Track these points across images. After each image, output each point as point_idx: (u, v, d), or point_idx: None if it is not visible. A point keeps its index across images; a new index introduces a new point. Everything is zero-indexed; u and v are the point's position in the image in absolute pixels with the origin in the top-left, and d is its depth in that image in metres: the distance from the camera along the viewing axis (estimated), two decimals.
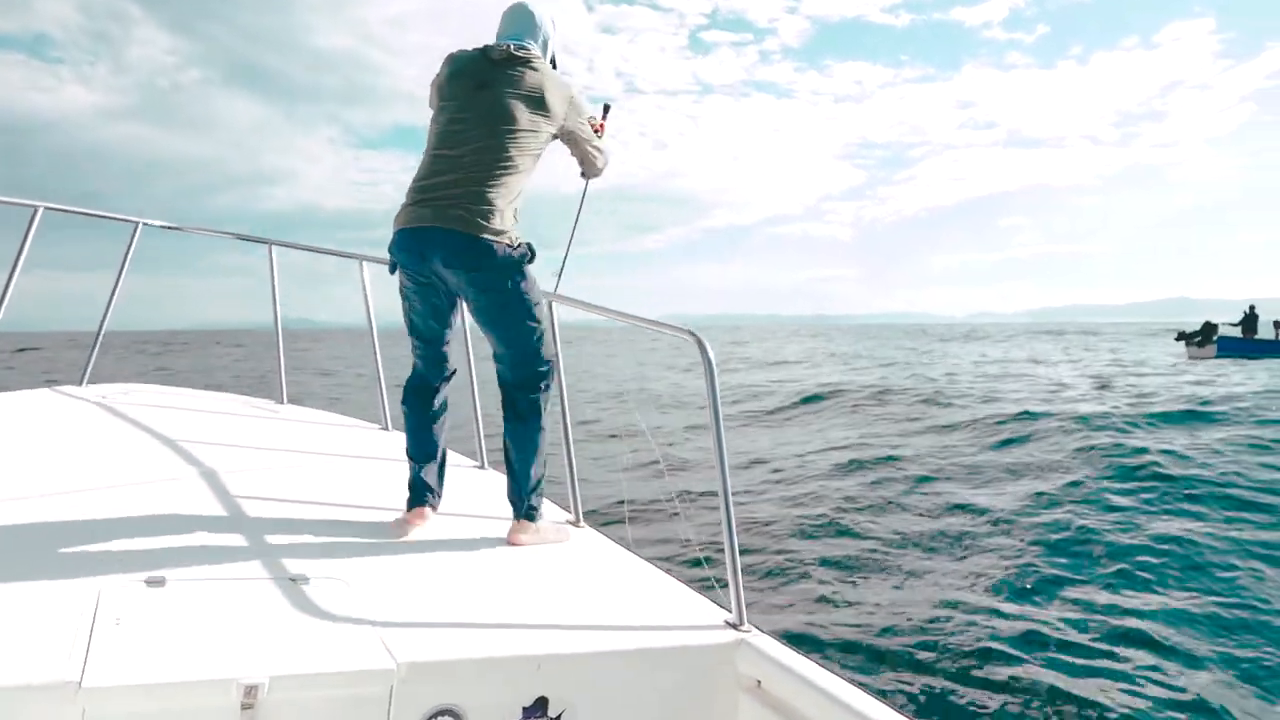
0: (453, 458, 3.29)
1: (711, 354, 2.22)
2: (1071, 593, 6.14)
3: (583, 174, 3.30)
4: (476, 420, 3.91)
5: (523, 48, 2.85)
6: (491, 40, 2.93)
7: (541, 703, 1.79)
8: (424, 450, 2.95)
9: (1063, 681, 4.83)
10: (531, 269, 2.85)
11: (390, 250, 2.85)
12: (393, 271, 2.94)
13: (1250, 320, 25.88)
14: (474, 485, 3.46)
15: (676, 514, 8.15)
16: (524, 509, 2.85)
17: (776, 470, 11.09)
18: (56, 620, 1.68)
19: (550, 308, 2.95)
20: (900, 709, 1.68)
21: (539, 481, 2.91)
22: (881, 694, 1.80)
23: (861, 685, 1.80)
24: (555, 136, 2.95)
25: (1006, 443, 12.25)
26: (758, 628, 2.07)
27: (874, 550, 8.02)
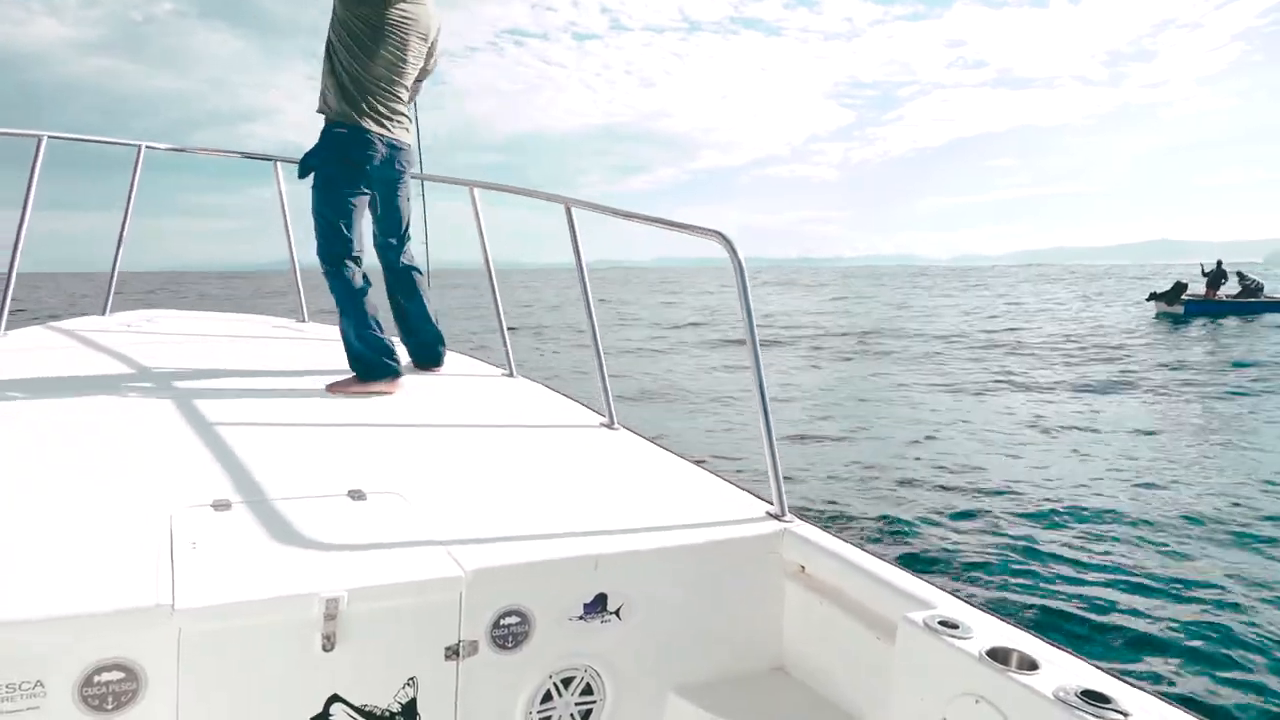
0: (480, 367, 3.97)
1: (741, 256, 2.25)
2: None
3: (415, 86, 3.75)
4: (502, 331, 3.98)
5: None
6: None
7: (601, 599, 1.90)
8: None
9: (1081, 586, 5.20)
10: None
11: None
12: (344, 162, 3.51)
13: (1216, 277, 26.71)
14: (505, 392, 3.56)
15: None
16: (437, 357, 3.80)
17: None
18: (135, 546, 1.75)
19: (569, 212, 3.13)
20: (940, 587, 1.79)
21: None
22: (921, 573, 1.90)
23: (901, 566, 1.91)
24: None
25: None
26: (799, 517, 2.18)
27: (903, 453, 8.44)
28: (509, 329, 4.08)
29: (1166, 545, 6.05)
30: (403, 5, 3.44)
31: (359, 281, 3.47)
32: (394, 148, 3.53)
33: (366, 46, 3.38)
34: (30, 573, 1.62)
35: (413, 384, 3.54)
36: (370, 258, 3.65)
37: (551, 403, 3.41)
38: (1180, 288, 26.69)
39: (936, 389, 12.64)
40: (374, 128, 3.44)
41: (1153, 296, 27.92)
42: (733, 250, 2.26)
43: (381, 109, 3.46)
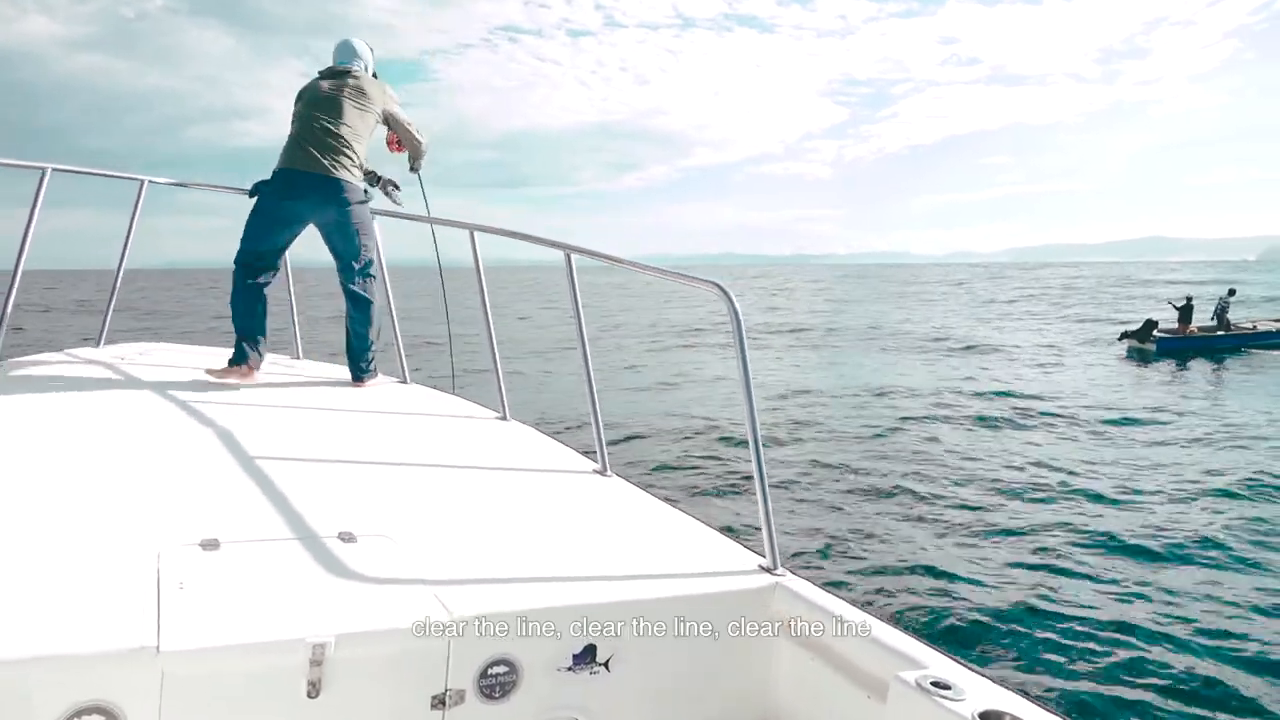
0: (473, 409, 4.02)
1: (738, 305, 2.27)
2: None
3: (410, 162, 4.65)
4: (497, 373, 4.01)
5: (347, 67, 4.39)
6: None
7: (590, 649, 1.88)
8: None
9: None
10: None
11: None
12: (252, 195, 4.35)
13: (1187, 311, 26.55)
14: (498, 436, 3.56)
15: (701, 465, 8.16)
16: (364, 371, 4.39)
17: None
18: (122, 586, 1.74)
19: (569, 260, 3.19)
20: (933, 644, 1.77)
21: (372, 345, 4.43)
22: (914, 631, 1.87)
23: (894, 623, 1.89)
24: (380, 120, 4.42)
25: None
26: (791, 571, 2.18)
27: (898, 492, 8.31)
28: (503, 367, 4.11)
29: (1170, 601, 5.90)
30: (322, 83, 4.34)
31: (242, 282, 4.29)
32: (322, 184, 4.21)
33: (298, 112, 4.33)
34: (15, 610, 1.59)
35: (406, 426, 3.61)
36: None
37: (544, 448, 3.40)
38: (1151, 325, 26.68)
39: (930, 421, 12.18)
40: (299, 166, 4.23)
41: (1124, 335, 28.21)
42: (731, 303, 2.27)
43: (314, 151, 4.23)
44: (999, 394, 14.63)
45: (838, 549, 6.36)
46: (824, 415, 12.13)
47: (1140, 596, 5.98)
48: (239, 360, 4.19)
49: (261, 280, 4.37)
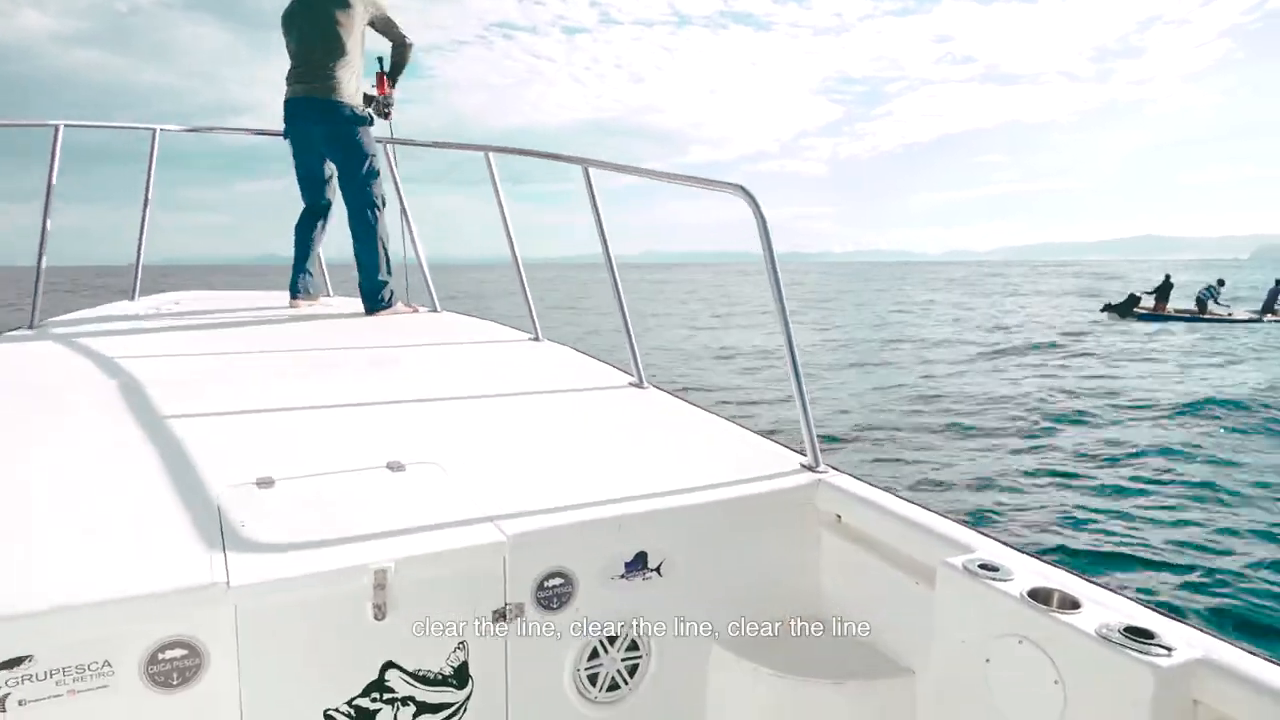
0: (507, 333, 4.03)
1: (763, 210, 2.28)
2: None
3: (392, 70, 4.65)
4: (525, 295, 3.97)
5: None
6: None
7: (641, 556, 1.93)
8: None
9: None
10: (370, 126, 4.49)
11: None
12: (285, 136, 4.51)
13: (1164, 290, 27.49)
14: (534, 357, 3.59)
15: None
16: (376, 303, 4.43)
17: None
18: (187, 526, 1.79)
19: (587, 173, 3.20)
20: (978, 528, 1.80)
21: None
22: (959, 518, 1.92)
23: (937, 511, 1.92)
24: (370, 24, 4.42)
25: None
26: (833, 467, 2.20)
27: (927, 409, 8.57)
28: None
29: (1207, 497, 6.12)
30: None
31: (301, 215, 4.65)
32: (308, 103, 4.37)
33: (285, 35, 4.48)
34: (88, 556, 1.65)
35: (444, 353, 3.63)
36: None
37: (580, 365, 3.43)
38: (1134, 300, 27.75)
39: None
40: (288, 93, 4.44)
41: (1107, 308, 29.04)
42: (755, 205, 2.28)
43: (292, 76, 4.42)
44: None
45: (878, 452, 6.44)
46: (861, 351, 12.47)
47: (1190, 489, 6.20)
48: (291, 293, 4.60)
49: (311, 210, 4.65)
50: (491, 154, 3.99)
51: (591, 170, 3.15)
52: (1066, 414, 9.88)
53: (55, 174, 4.27)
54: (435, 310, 4.65)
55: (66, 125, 4.31)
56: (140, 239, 5.14)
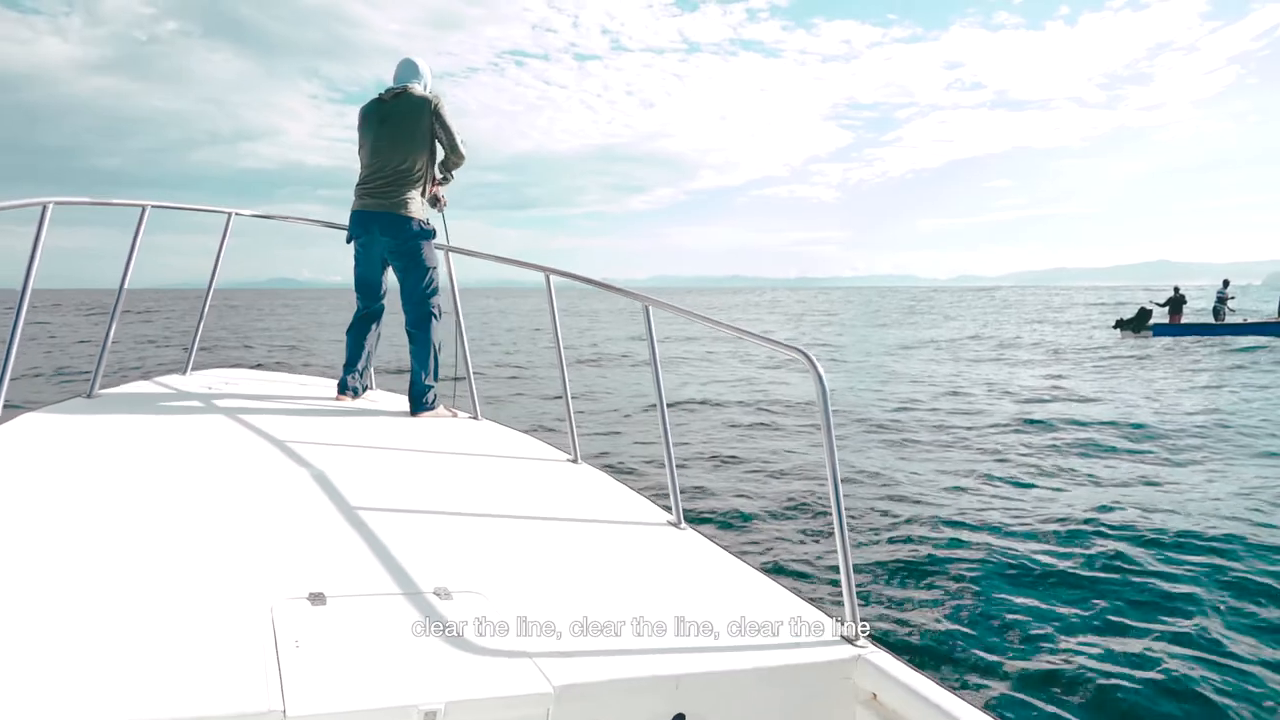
0: (545, 450, 4.09)
1: (821, 369, 2.31)
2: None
3: (450, 158, 4.74)
4: (569, 416, 4.04)
5: (407, 89, 4.61)
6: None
7: (679, 718, 1.95)
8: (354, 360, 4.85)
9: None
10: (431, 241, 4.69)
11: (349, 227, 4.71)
12: (348, 242, 4.74)
13: (1176, 302, 27.41)
14: (572, 481, 3.62)
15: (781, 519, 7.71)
16: (420, 405, 4.59)
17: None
18: (240, 642, 1.81)
19: (648, 312, 3.35)
20: None
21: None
22: (995, 710, 1.69)
23: (977, 704, 1.90)
24: (432, 123, 4.56)
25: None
26: (872, 640, 2.19)
27: (972, 549, 7.18)
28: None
29: None
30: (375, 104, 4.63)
31: (354, 315, 4.91)
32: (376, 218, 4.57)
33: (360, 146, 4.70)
34: (142, 669, 1.66)
35: (484, 468, 3.71)
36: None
37: (619, 497, 3.43)
38: (1145, 314, 27.41)
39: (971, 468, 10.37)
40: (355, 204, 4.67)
41: (1119, 324, 28.63)
42: (814, 366, 2.33)
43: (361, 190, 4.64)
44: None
45: (921, 618, 5.73)
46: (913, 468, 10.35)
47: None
48: (339, 389, 4.79)
49: (366, 314, 4.87)
50: (551, 276, 4.10)
51: (652, 309, 3.22)
52: None
53: (137, 250, 4.48)
54: (476, 417, 4.74)
55: (153, 207, 4.57)
56: (200, 318, 5.29)
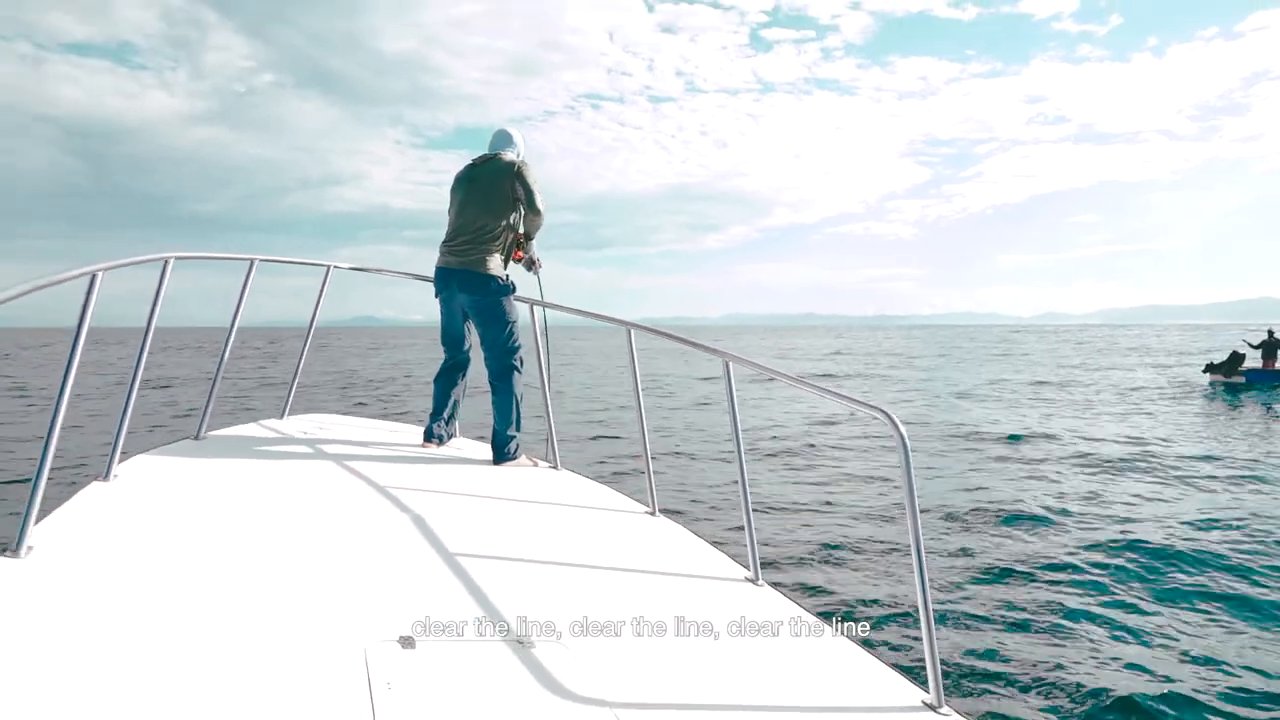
0: (623, 502, 4.14)
1: (904, 431, 2.29)
2: None
3: (527, 219, 4.92)
4: (648, 467, 4.10)
5: (498, 156, 4.89)
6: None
7: None
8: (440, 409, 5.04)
9: None
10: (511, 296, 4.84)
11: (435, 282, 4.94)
12: (435, 297, 4.96)
13: (1271, 346, 25.79)
14: (649, 534, 3.64)
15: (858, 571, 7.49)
16: (502, 455, 4.72)
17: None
18: (336, 681, 1.87)
19: (729, 369, 3.36)
20: None
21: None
22: None
23: None
24: (514, 178, 4.79)
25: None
26: (954, 709, 2.11)
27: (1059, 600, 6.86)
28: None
29: None
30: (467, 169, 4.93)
31: (441, 367, 5.14)
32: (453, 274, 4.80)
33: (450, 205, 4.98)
34: (247, 704, 1.71)
35: (563, 518, 3.81)
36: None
37: (696, 551, 3.43)
38: (1238, 358, 26.20)
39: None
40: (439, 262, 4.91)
41: (1209, 368, 27.35)
42: (897, 428, 2.29)
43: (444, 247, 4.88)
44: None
45: (1002, 681, 5.41)
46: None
47: None
48: (425, 437, 4.96)
49: (451, 365, 5.08)
50: (633, 330, 4.18)
51: (732, 365, 3.24)
52: None
53: (243, 304, 4.71)
54: (556, 467, 4.81)
55: (261, 260, 4.82)
56: (297, 367, 5.54)
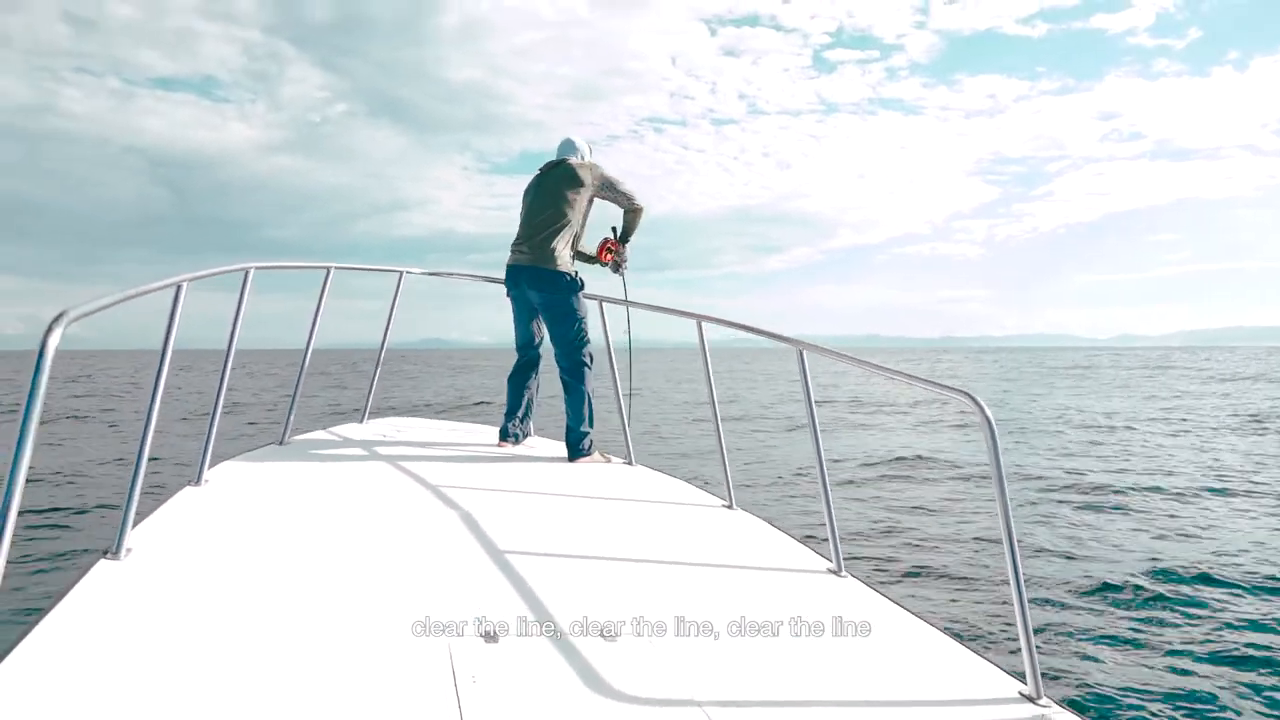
0: (700, 496, 4.11)
1: (990, 414, 2.23)
2: None
3: (627, 217, 5.13)
4: (724, 461, 4.06)
5: (564, 160, 5.00)
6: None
7: None
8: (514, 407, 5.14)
9: None
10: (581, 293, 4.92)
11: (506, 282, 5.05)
12: (507, 295, 5.09)
13: None
14: (727, 527, 3.63)
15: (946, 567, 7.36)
16: (576, 452, 4.77)
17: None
18: (423, 676, 1.90)
19: (802, 357, 3.25)
20: None
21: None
22: None
23: None
24: (594, 196, 4.95)
25: None
26: (1054, 700, 2.04)
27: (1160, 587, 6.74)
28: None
29: None
30: (539, 175, 5.05)
31: (514, 366, 5.20)
32: (523, 271, 4.90)
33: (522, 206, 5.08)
34: (339, 700, 1.74)
35: (640, 513, 3.80)
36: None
37: (774, 543, 3.40)
38: None
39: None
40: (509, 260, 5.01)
41: None
42: (983, 410, 2.23)
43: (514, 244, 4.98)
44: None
45: (1102, 679, 5.24)
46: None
47: None
48: (501, 436, 5.10)
49: (524, 363, 5.16)
50: (704, 323, 4.14)
51: (806, 353, 3.19)
52: None
53: (321, 314, 4.84)
54: (630, 463, 4.85)
55: (336, 268, 4.93)
56: (374, 374, 5.68)
